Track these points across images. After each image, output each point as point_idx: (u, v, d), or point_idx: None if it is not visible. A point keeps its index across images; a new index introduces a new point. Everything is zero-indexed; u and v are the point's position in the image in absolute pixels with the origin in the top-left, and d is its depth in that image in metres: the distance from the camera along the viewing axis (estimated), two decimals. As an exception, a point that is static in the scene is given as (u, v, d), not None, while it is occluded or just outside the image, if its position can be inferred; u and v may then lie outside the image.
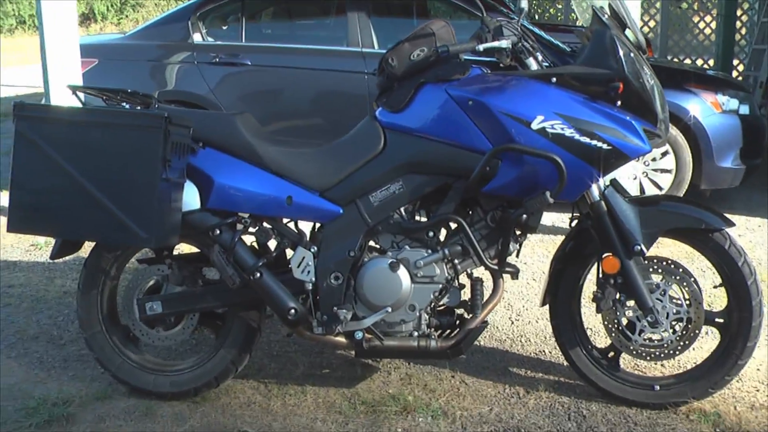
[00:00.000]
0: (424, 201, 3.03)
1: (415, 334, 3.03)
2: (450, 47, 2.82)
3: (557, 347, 3.62)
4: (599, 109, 2.82)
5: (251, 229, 3.02)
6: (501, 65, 2.99)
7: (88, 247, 3.21)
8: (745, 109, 5.99)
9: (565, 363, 3.45)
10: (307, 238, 3.02)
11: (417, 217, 3.04)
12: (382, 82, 3.08)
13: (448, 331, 3.10)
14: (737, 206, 6.20)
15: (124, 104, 2.96)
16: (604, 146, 2.79)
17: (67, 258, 3.53)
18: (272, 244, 3.08)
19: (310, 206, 2.96)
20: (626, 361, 3.36)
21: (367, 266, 2.97)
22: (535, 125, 2.79)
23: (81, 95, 3.03)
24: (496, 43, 2.85)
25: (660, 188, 5.82)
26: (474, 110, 2.84)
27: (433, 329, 3.06)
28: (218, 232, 2.95)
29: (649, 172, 5.83)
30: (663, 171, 5.80)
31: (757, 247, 5.30)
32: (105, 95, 3.00)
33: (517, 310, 4.18)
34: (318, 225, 3.06)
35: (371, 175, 2.96)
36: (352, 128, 3.10)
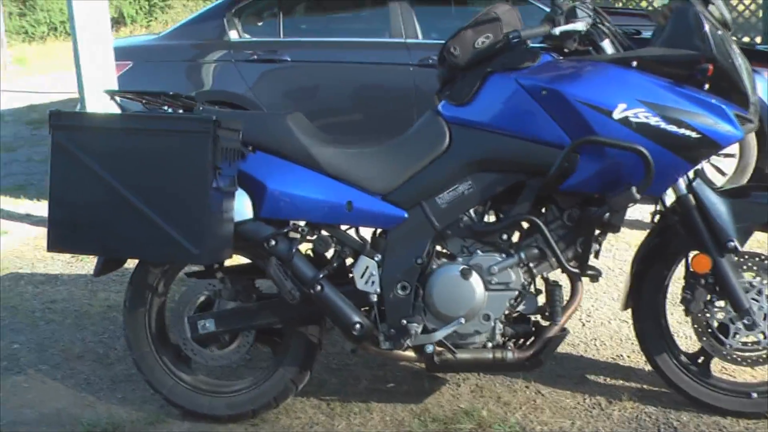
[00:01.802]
0: (495, 201, 2.79)
1: (489, 345, 2.80)
2: (522, 33, 2.58)
3: (636, 351, 3.39)
4: (686, 94, 2.56)
5: (309, 238, 2.80)
6: (566, 50, 2.75)
7: (132, 260, 3.01)
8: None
9: (647, 368, 3.21)
10: (370, 246, 2.79)
11: (488, 219, 2.80)
12: (444, 73, 2.84)
13: (524, 340, 2.86)
14: None
15: (165, 108, 2.76)
16: (694, 134, 2.53)
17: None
18: (330, 253, 2.86)
19: (372, 211, 2.74)
20: (717, 367, 3.10)
21: (437, 274, 2.74)
22: (617, 114, 2.54)
23: (119, 100, 2.83)
24: (571, 26, 2.60)
25: (723, 174, 5.54)
26: (548, 100, 2.59)
27: (508, 339, 2.83)
28: (274, 243, 2.72)
29: (711, 158, 5.53)
30: (726, 155, 5.50)
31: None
32: (144, 99, 2.79)
33: (587, 311, 3.92)
34: (380, 231, 2.82)
35: (437, 175, 2.72)
36: (408, 124, 2.88)
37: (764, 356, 2.85)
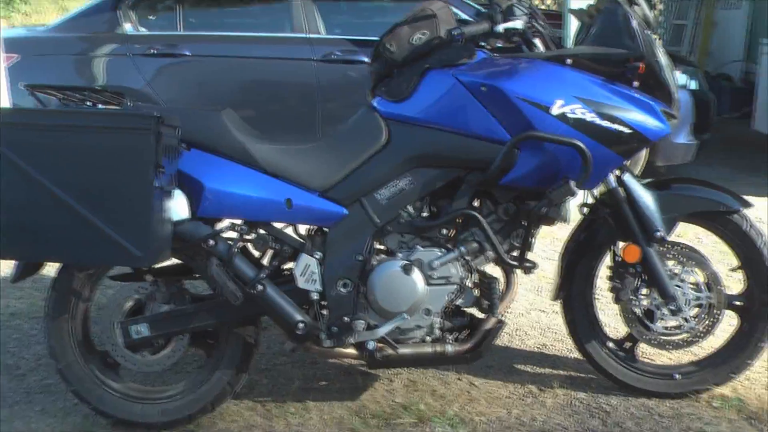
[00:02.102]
0: (433, 197, 2.81)
1: (428, 339, 2.82)
2: (464, 29, 2.61)
3: (558, 340, 3.51)
4: (618, 91, 2.65)
5: (247, 237, 2.75)
6: (489, 47, 2.80)
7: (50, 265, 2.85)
8: (693, 84, 5.98)
9: (572, 356, 3.32)
10: (310, 244, 2.76)
11: (427, 214, 2.82)
12: (379, 68, 2.84)
13: (461, 333, 2.90)
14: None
15: (88, 104, 2.64)
16: (626, 130, 2.63)
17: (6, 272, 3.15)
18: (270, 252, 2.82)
19: (311, 208, 2.71)
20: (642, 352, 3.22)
21: (378, 270, 2.74)
22: (554, 110, 2.60)
23: (40, 95, 2.68)
24: (511, 24, 2.65)
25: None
26: (488, 96, 2.63)
27: (446, 332, 2.86)
28: (213, 243, 2.66)
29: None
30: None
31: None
32: (64, 94, 2.65)
33: (504, 302, 4.00)
34: (320, 229, 2.80)
35: (377, 171, 2.72)
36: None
37: (687, 339, 2.98)
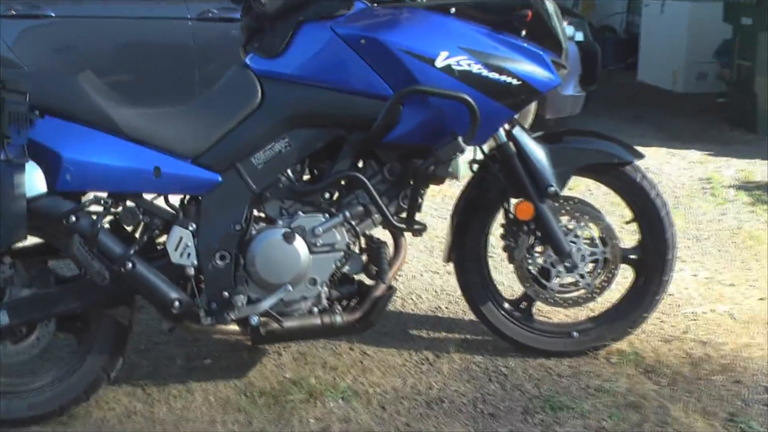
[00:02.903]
0: (314, 159, 2.63)
1: (316, 310, 2.66)
2: (334, -21, 2.42)
3: (453, 302, 3.41)
4: (506, 41, 2.52)
5: (113, 211, 2.51)
6: None
7: None
8: (580, 36, 5.95)
9: (467, 318, 3.23)
10: (182, 215, 2.54)
11: (308, 177, 2.64)
12: (250, 23, 2.63)
13: (351, 302, 2.75)
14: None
15: None
16: (515, 81, 2.50)
17: None
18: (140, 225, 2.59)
19: (182, 176, 2.48)
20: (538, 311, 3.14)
21: (258, 240, 2.55)
22: (439, 63, 2.45)
23: None
24: (391, -29, 2.48)
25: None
26: (368, 50, 2.45)
27: (335, 302, 2.70)
28: (74, 219, 2.41)
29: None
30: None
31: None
32: None
33: (397, 265, 3.87)
34: (193, 198, 2.58)
35: (251, 134, 2.51)
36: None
37: (583, 296, 2.91)
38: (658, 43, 8.14)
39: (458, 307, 3.38)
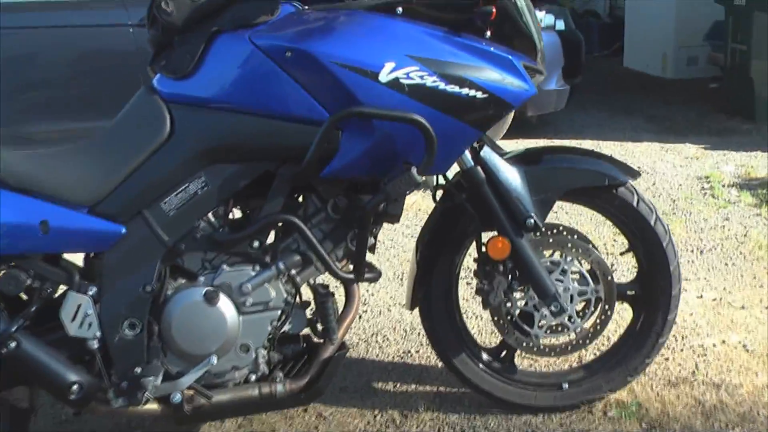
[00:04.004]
0: (239, 199, 2.17)
1: (253, 378, 2.20)
2: (251, -21, 1.95)
3: (425, 344, 2.95)
4: (466, 45, 2.04)
5: (-6, 277, 2.04)
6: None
7: None
8: (561, 25, 5.48)
9: (440, 364, 2.75)
10: (79, 277, 2.07)
11: (232, 223, 2.18)
12: (157, 36, 2.15)
13: (297, 363, 2.28)
14: (564, 129, 5.72)
15: None
16: (480, 94, 2.02)
17: None
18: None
19: (75, 230, 2.01)
20: (523, 360, 2.68)
21: (173, 303, 2.09)
22: (384, 76, 1.97)
23: None
24: (317, -33, 2.01)
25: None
26: (295, 64, 1.98)
27: (276, 367, 2.24)
28: (-62, 292, 1.95)
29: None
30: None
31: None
32: None
33: (362, 298, 3.40)
34: (92, 255, 2.11)
35: (159, 173, 2.04)
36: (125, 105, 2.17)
37: (573, 342, 2.45)
38: (644, 26, 7.66)
39: (430, 351, 2.91)
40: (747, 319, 3.10)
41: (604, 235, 3.69)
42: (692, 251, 3.71)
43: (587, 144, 5.42)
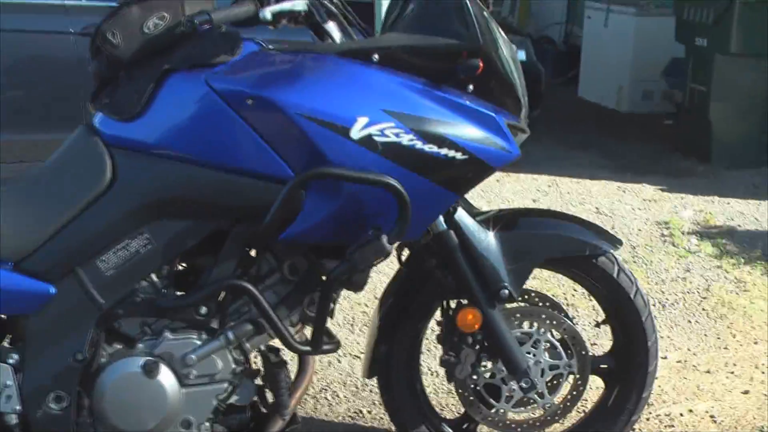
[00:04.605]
0: (185, 259, 1.94)
1: (193, 454, 1.97)
2: (213, 14, 1.73)
3: (379, 403, 2.72)
4: (447, 100, 1.85)
5: None
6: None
7: None
8: (522, 55, 5.32)
9: (394, 429, 2.54)
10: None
11: (177, 282, 1.95)
12: (101, 68, 1.92)
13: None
14: (519, 162, 5.55)
15: None
16: (459, 156, 1.83)
17: None
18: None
19: (-3, 289, 1.78)
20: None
21: (107, 374, 1.86)
22: (356, 133, 1.77)
23: None
24: (287, 4, 1.80)
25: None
26: (257, 113, 1.77)
27: (218, 442, 2.01)
28: None
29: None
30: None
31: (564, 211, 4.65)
32: None
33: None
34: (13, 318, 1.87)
35: (96, 227, 1.81)
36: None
37: (541, 418, 2.27)
38: (600, 57, 7.56)
39: (383, 413, 2.70)
40: (713, 385, 2.96)
41: (575, 299, 3.54)
42: (654, 305, 3.57)
43: (544, 179, 5.28)
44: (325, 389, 2.88)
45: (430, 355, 2.98)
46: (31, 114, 4.46)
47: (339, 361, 3.06)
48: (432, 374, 2.94)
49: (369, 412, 2.74)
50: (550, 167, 5.58)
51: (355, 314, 3.43)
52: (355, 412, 2.75)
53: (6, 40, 4.53)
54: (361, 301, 3.49)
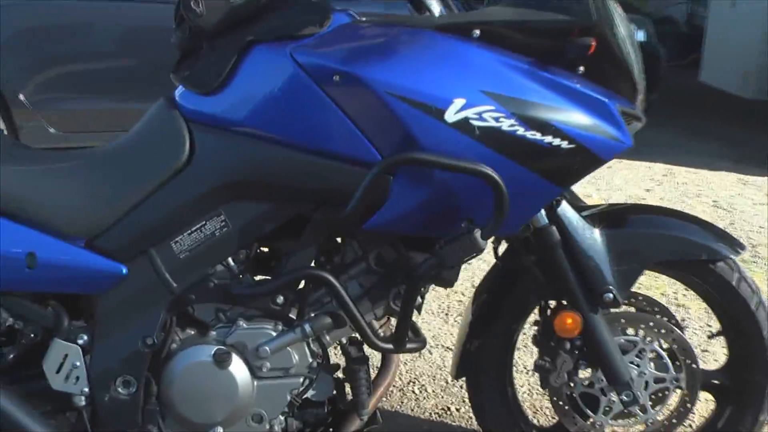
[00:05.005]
0: (264, 244, 1.83)
1: (265, 448, 1.87)
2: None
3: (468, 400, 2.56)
4: (555, 82, 1.67)
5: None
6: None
7: None
8: (642, 36, 5.04)
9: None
10: (68, 322, 1.75)
11: (254, 273, 1.84)
12: (183, 39, 1.81)
13: (318, 431, 1.95)
14: (634, 148, 5.29)
15: None
16: (566, 144, 1.65)
17: None
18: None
19: (68, 267, 1.69)
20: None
21: (177, 361, 1.76)
22: (451, 115, 1.61)
23: None
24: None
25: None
26: (344, 91, 1.63)
27: (294, 435, 1.90)
28: None
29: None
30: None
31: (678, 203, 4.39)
32: None
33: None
34: (85, 298, 1.79)
35: (171, 206, 1.71)
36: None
37: (643, 433, 2.08)
38: (726, 40, 7.15)
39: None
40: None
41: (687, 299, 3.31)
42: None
43: (658, 168, 5.01)
44: (413, 382, 2.75)
45: (527, 352, 2.82)
46: (141, 82, 4.48)
47: (430, 353, 2.93)
48: (527, 372, 2.77)
49: (457, 410, 2.59)
50: (666, 155, 5.28)
51: (450, 303, 3.28)
52: (442, 409, 2.60)
53: (113, 8, 4.57)
54: (458, 289, 3.34)
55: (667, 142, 5.53)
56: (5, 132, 4.27)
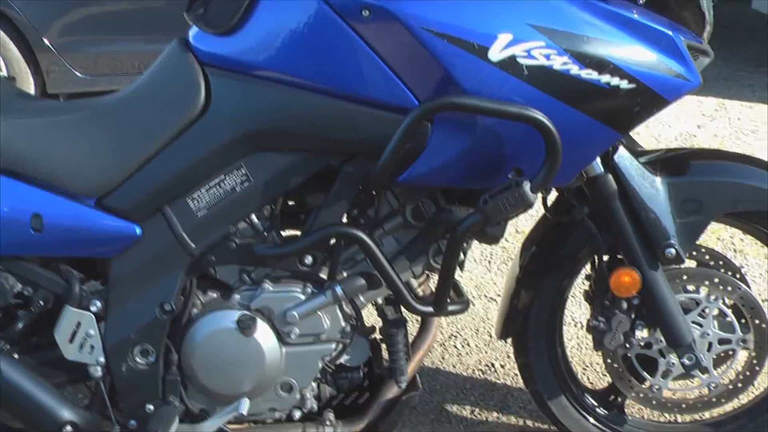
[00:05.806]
0: (291, 199, 1.67)
1: (298, 415, 1.74)
2: None
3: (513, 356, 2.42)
4: (612, 13, 1.48)
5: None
6: None
7: None
8: None
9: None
10: (78, 288, 1.61)
11: (278, 231, 1.68)
12: (198, -25, 1.63)
13: (352, 399, 1.82)
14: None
15: None
16: (625, 84, 1.46)
17: None
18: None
19: (77, 228, 1.56)
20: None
21: (198, 328, 1.63)
22: (495, 53, 1.43)
23: None
24: None
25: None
26: (375, 28, 1.45)
27: (327, 403, 1.77)
28: None
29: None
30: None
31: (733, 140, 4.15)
32: None
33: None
34: (97, 261, 1.65)
35: (187, 160, 1.56)
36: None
37: (705, 399, 1.92)
38: (781, -35, 6.77)
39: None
40: None
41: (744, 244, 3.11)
42: None
43: (710, 102, 4.74)
44: (455, 336, 2.60)
45: (574, 302, 2.66)
46: (169, 23, 4.30)
47: (473, 304, 2.77)
48: (575, 325, 2.61)
49: (502, 366, 2.45)
50: (718, 88, 5.01)
51: (493, 250, 3.11)
52: (486, 365, 2.46)
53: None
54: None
55: (719, 75, 5.24)
56: (7, 77, 4.13)
